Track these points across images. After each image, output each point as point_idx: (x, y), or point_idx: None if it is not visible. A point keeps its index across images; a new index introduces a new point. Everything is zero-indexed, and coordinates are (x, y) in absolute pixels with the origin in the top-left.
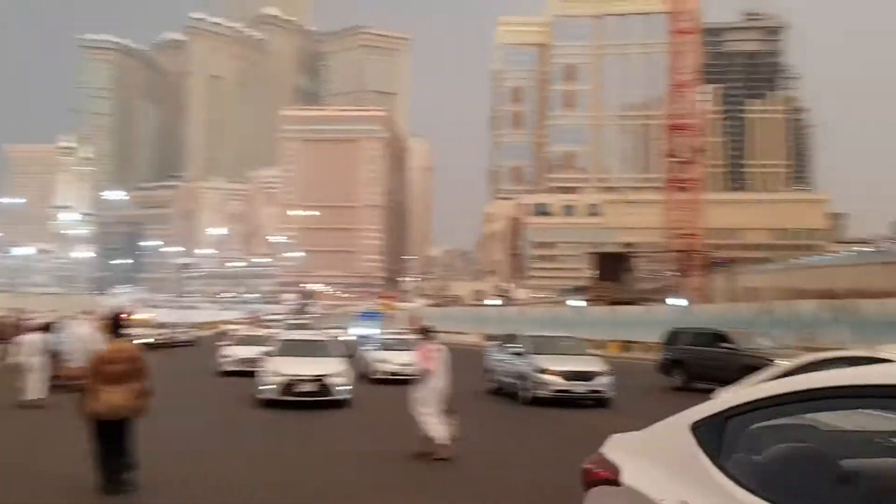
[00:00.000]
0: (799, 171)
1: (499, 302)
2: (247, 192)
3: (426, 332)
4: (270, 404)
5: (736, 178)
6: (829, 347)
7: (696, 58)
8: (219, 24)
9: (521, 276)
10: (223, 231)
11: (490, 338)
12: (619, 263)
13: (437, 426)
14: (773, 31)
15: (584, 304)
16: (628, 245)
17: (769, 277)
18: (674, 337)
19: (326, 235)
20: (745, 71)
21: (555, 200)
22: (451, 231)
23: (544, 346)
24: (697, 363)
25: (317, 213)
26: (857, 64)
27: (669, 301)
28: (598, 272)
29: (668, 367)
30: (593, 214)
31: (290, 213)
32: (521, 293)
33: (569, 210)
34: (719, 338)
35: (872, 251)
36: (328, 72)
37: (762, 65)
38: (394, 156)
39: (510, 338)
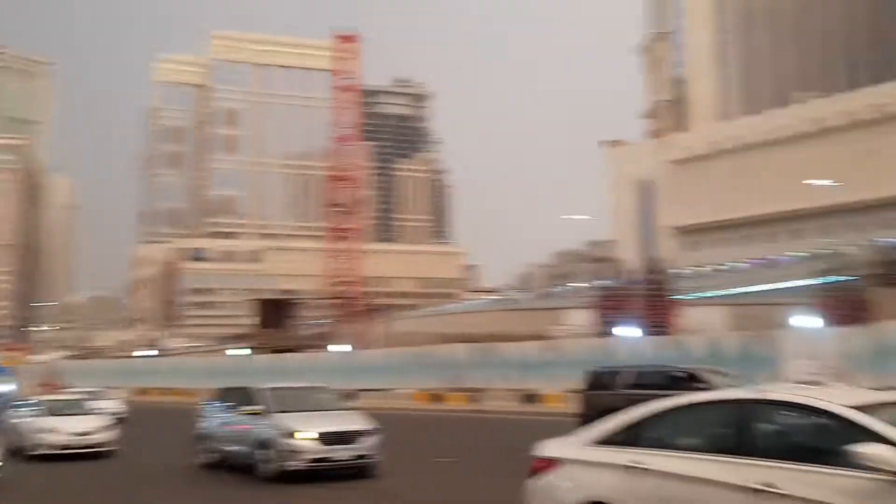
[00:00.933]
0: (439, 226)
1: (153, 352)
2: None
3: None
4: None
5: (385, 230)
6: (477, 388)
7: (355, 115)
8: None
9: (175, 323)
10: None
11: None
12: (281, 310)
13: None
14: (419, 98)
15: (248, 352)
16: (288, 291)
17: (419, 323)
18: (603, 379)
19: None
20: (394, 132)
21: (213, 245)
22: (100, 276)
23: (290, 401)
24: None
25: None
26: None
27: (332, 347)
28: (259, 319)
29: (595, 418)
30: (253, 261)
31: None
32: (174, 342)
33: (228, 256)
34: (687, 378)
35: (501, 299)
36: None
37: (409, 128)
38: (28, 190)
39: (239, 392)
